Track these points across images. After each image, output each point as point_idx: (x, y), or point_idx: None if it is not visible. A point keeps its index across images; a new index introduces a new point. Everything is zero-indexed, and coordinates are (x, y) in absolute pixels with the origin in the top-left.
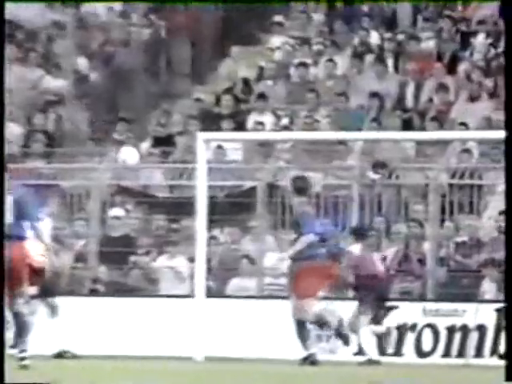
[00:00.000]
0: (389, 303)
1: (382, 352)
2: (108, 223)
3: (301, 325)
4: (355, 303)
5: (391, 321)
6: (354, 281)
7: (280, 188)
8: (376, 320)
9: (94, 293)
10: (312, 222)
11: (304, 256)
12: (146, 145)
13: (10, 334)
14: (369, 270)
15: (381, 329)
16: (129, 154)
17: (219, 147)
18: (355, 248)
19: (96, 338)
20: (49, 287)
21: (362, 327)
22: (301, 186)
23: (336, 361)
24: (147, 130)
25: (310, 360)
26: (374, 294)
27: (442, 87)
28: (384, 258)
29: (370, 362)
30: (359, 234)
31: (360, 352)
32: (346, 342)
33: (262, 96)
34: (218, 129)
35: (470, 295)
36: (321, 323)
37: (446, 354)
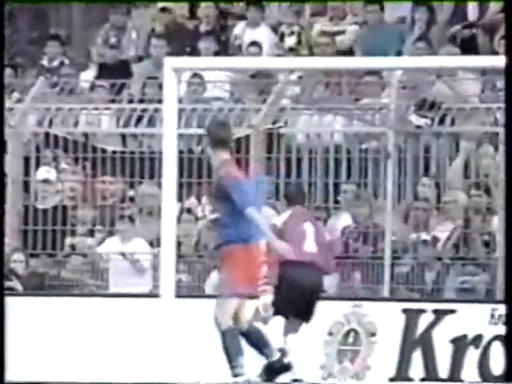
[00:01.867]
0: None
1: (431, 375)
2: (33, 189)
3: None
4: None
5: (444, 330)
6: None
7: (284, 137)
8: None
9: (10, 290)
10: (249, 188)
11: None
12: (88, 75)
13: None
14: (299, 253)
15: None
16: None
17: (195, 77)
18: (281, 219)
19: (16, 358)
20: None
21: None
22: (221, 137)
23: None
24: (90, 53)
25: None
26: (305, 294)
27: None
28: (434, 240)
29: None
30: (295, 195)
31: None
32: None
33: (255, 3)
34: (194, 52)
35: None
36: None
37: None
